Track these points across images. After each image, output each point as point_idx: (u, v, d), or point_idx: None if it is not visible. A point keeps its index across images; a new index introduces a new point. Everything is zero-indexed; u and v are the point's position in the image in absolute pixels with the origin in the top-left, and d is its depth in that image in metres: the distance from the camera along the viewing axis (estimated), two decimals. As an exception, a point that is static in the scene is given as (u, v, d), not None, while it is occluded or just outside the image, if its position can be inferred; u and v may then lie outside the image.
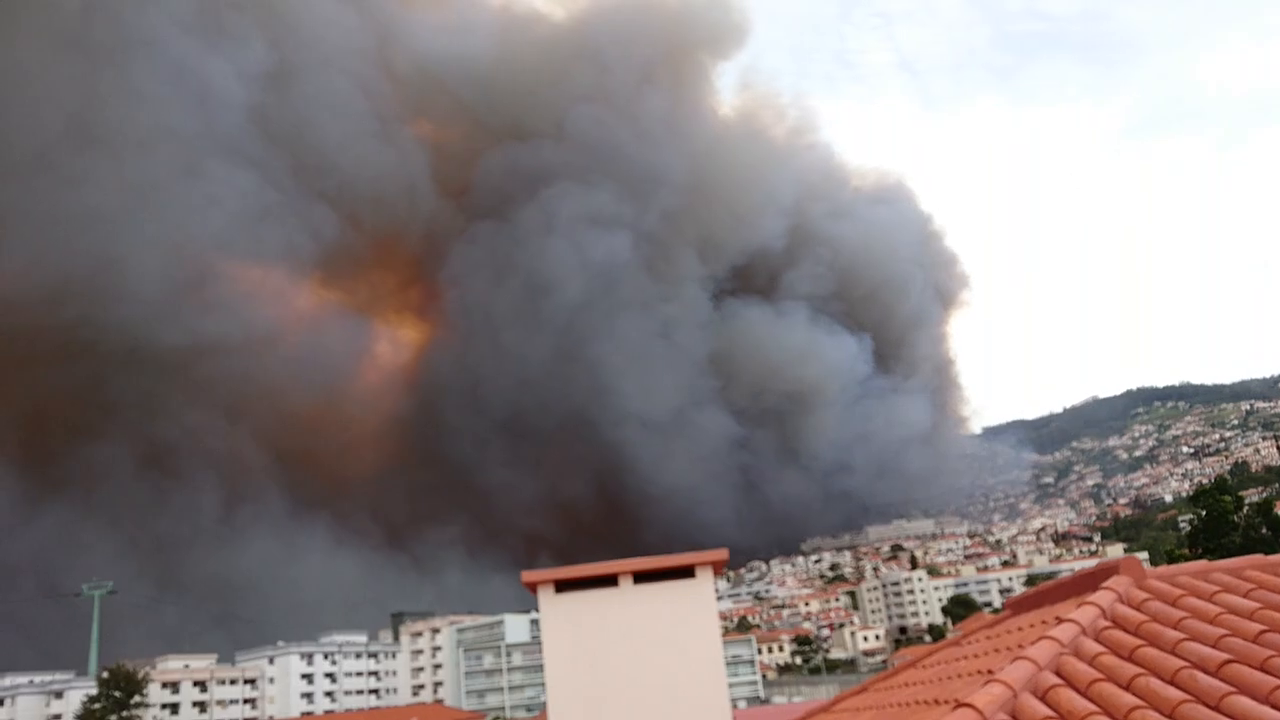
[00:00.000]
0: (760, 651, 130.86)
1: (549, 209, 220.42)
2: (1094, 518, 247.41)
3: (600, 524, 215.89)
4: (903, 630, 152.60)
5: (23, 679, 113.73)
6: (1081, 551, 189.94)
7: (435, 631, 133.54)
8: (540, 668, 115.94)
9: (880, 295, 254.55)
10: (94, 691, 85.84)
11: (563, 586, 15.03)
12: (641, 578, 14.33)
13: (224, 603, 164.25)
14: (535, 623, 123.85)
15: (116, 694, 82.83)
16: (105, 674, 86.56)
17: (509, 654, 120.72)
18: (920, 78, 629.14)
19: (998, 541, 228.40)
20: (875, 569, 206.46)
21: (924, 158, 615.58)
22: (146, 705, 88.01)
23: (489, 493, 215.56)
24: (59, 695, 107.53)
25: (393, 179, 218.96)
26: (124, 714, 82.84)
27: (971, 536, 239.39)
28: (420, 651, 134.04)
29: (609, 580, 14.57)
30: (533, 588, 15.39)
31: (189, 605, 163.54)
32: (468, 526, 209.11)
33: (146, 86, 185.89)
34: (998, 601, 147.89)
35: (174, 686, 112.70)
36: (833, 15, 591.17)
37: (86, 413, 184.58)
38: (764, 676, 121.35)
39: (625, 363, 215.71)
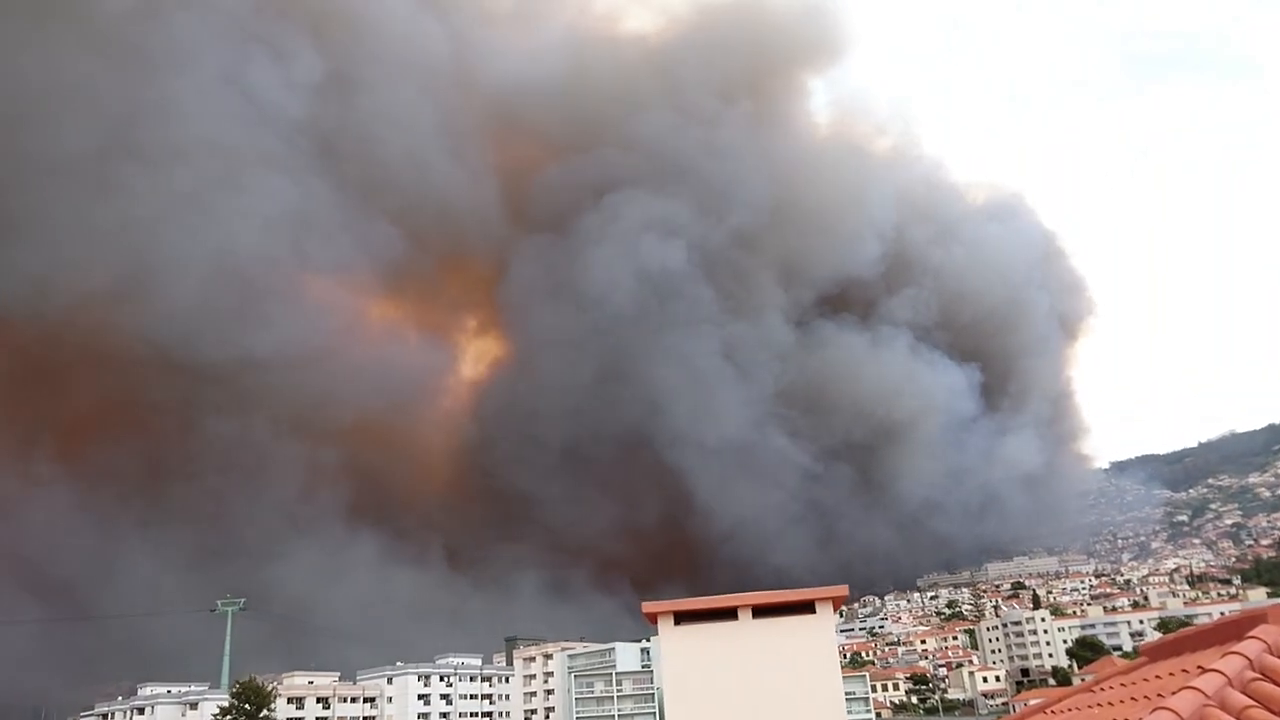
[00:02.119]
0: (874, 689, 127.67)
1: (606, 216, 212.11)
2: (1233, 559, 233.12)
3: (668, 551, 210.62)
4: (1024, 672, 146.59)
5: (161, 689, 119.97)
6: (1220, 594, 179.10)
7: (547, 657, 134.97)
8: (650, 697, 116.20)
9: (990, 321, 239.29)
10: (225, 704, 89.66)
11: (681, 618, 15.25)
12: (760, 612, 14.41)
13: (323, 621, 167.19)
14: (646, 651, 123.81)
15: (247, 707, 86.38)
16: (236, 687, 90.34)
17: (619, 682, 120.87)
18: (1040, 89, 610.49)
19: (1127, 581, 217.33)
20: (995, 607, 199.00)
21: (1045, 173, 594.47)
22: (274, 719, 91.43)
23: (548, 516, 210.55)
24: (194, 706, 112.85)
25: (458, 194, 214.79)
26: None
27: (1098, 576, 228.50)
28: (533, 676, 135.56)
29: (728, 613, 14.70)
30: (652, 618, 15.61)
31: (303, 625, 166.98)
32: (535, 550, 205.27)
33: (192, 97, 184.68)
34: (1128, 645, 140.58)
35: (299, 702, 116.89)
36: (941, 25, 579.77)
37: (154, 430, 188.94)
38: (878, 715, 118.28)
39: (681, 381, 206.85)
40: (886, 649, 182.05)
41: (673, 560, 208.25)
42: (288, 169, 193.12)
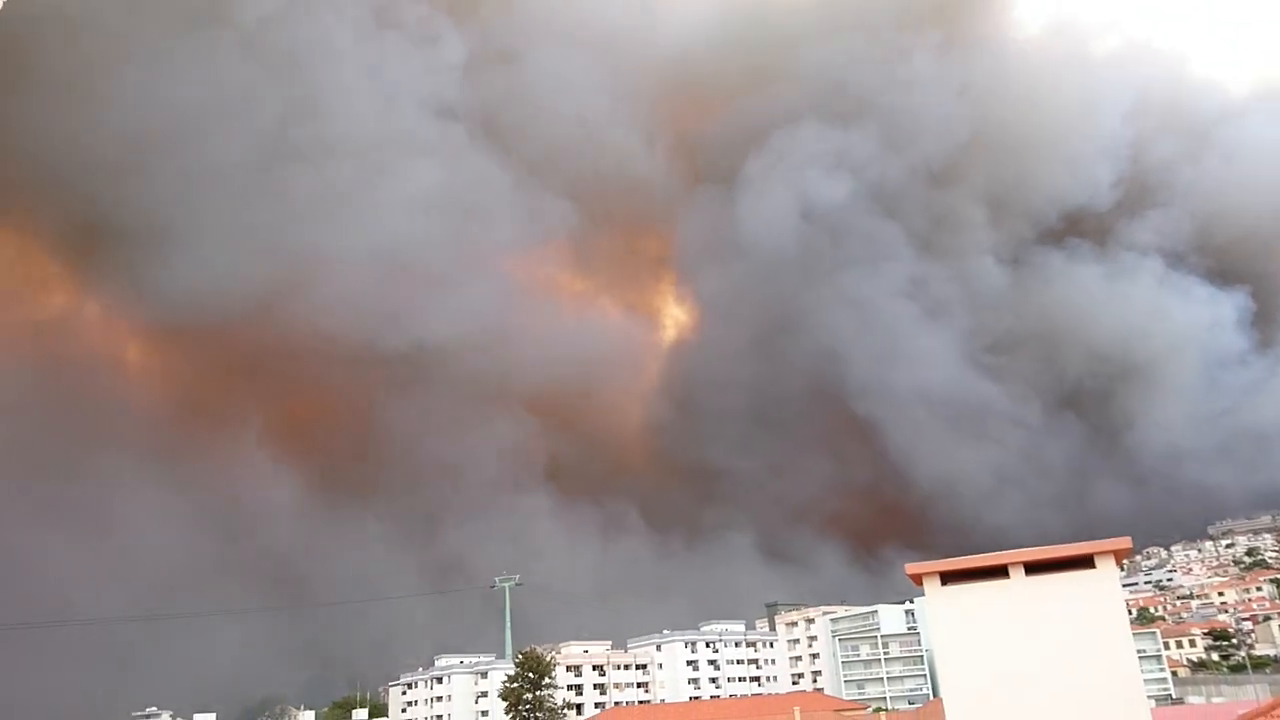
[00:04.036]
0: (1166, 646, 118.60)
1: (770, 158, 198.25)
2: None
3: (875, 510, 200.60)
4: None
5: (455, 660, 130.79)
6: None
7: (810, 621, 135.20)
8: (919, 659, 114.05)
9: (1256, 238, 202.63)
10: (511, 672, 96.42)
11: (948, 578, 14.93)
12: (1033, 569, 13.87)
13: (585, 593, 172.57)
14: (910, 613, 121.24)
15: (530, 675, 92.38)
16: (520, 657, 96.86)
17: (885, 645, 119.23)
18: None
19: None
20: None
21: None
22: (555, 686, 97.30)
23: (751, 485, 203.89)
24: (484, 675, 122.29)
25: (632, 157, 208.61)
26: (537, 693, 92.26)
27: None
28: (796, 641, 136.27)
29: (998, 571, 14.25)
30: (918, 579, 15.41)
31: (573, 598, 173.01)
32: (746, 518, 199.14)
33: (339, 92, 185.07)
34: None
35: (576, 670, 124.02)
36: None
37: (350, 419, 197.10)
38: (1174, 674, 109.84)
39: (859, 326, 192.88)
40: (1178, 603, 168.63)
41: (882, 519, 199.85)
42: (445, 153, 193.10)
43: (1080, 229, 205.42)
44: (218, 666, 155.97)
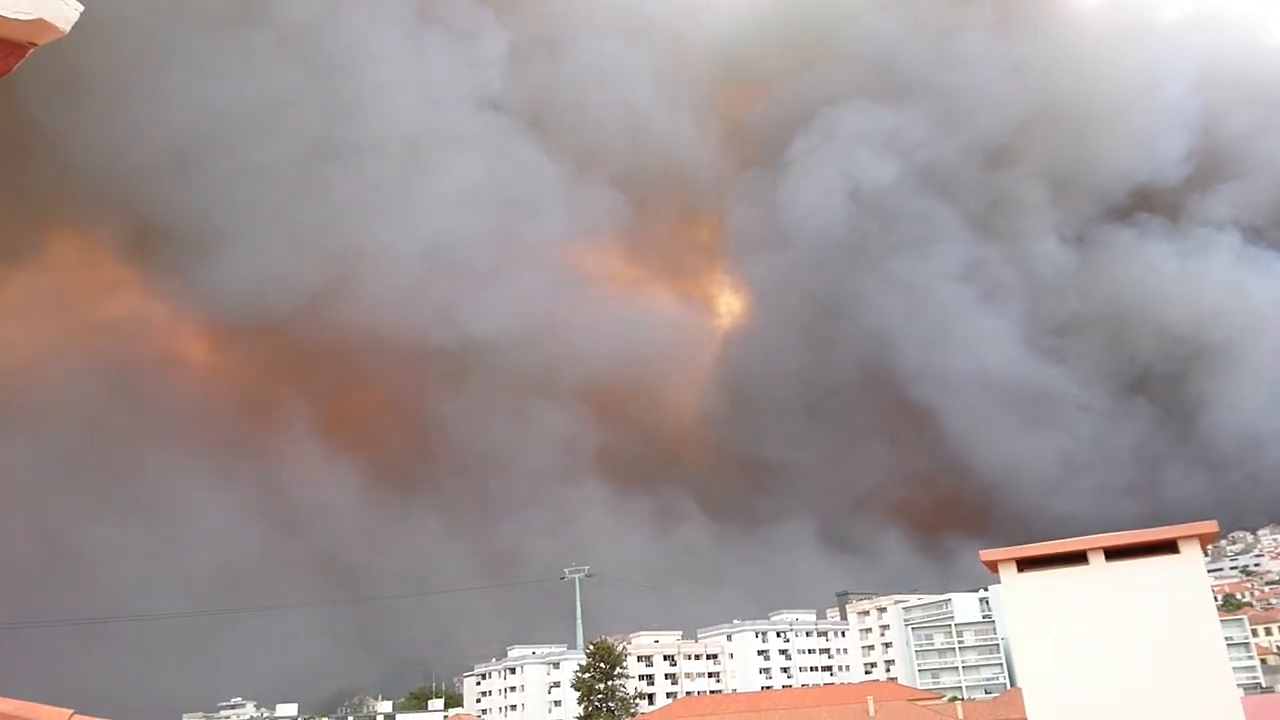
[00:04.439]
0: (1255, 633, 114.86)
1: (816, 138, 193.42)
2: None
3: (935, 498, 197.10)
4: None
5: (528, 651, 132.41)
6: None
7: (881, 610, 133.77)
8: (994, 647, 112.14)
9: None
10: (583, 662, 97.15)
11: (1024, 565, 14.61)
12: (1114, 554, 13.49)
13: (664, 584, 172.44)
14: (984, 601, 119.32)
15: (602, 666, 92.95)
16: (590, 648, 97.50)
17: (960, 633, 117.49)
18: None
19: None
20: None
21: None
22: (626, 676, 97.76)
23: (808, 476, 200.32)
24: (556, 666, 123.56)
25: (680, 144, 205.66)
26: (609, 683, 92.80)
27: None
28: (868, 630, 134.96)
29: (1076, 558, 13.90)
30: (993, 566, 15.11)
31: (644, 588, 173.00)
32: (804, 509, 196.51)
33: (379, 91, 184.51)
34: None
35: (647, 660, 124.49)
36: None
37: (407, 414, 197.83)
38: (1263, 662, 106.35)
39: (909, 310, 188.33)
40: (1266, 589, 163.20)
41: (942, 507, 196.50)
42: (490, 146, 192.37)
43: (1150, 205, 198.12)
44: (294, 659, 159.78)
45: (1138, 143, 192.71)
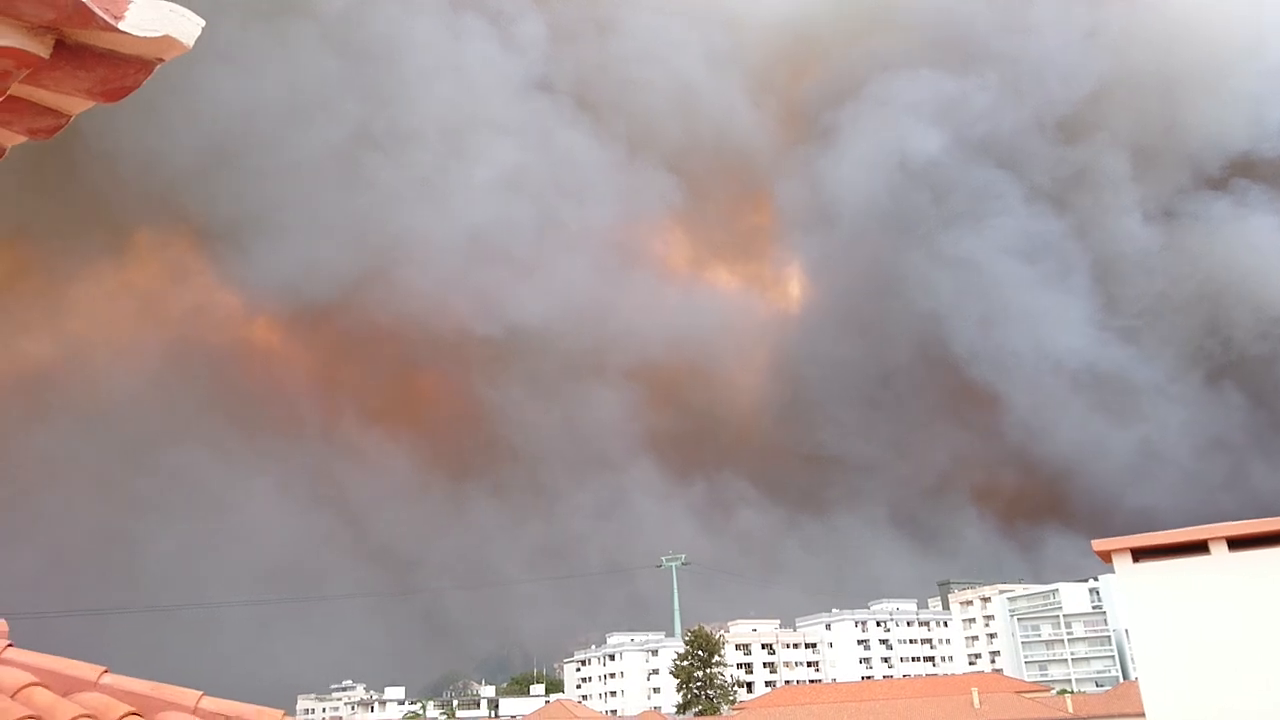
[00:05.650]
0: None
1: (864, 108, 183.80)
2: None
3: (1014, 487, 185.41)
4: None
5: (626, 638, 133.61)
6: None
7: (985, 600, 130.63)
8: (1106, 639, 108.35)
9: None
10: (681, 650, 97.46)
11: (1140, 555, 14.06)
12: (1237, 544, 12.87)
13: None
14: (1094, 592, 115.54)
15: (700, 654, 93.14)
16: (689, 635, 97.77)
17: (1069, 625, 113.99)
18: None
19: None
20: None
21: None
22: (724, 664, 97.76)
23: (873, 466, 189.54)
24: (655, 653, 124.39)
25: (733, 124, 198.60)
26: (707, 671, 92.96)
27: None
28: (972, 620, 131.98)
29: (1196, 547, 13.32)
30: (1106, 556, 14.58)
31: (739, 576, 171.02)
32: (878, 493, 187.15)
33: (419, 78, 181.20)
34: None
35: (745, 648, 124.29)
36: None
37: (457, 404, 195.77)
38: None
39: (962, 286, 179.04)
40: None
41: (1014, 496, 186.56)
42: (537, 130, 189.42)
43: (1251, 175, 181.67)
44: (397, 644, 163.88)
45: (1237, 108, 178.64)
